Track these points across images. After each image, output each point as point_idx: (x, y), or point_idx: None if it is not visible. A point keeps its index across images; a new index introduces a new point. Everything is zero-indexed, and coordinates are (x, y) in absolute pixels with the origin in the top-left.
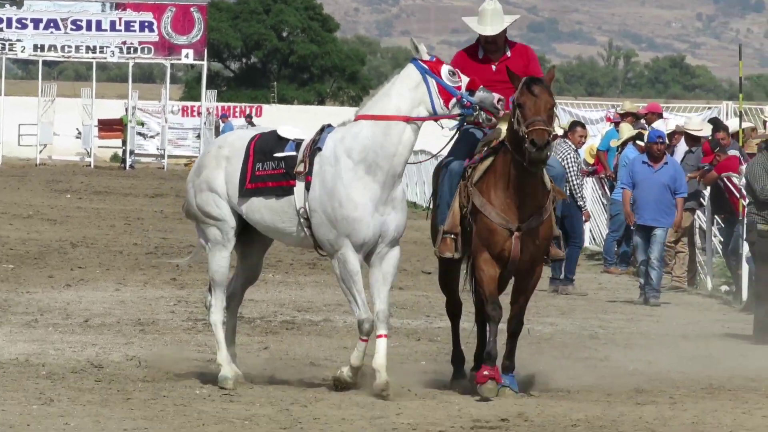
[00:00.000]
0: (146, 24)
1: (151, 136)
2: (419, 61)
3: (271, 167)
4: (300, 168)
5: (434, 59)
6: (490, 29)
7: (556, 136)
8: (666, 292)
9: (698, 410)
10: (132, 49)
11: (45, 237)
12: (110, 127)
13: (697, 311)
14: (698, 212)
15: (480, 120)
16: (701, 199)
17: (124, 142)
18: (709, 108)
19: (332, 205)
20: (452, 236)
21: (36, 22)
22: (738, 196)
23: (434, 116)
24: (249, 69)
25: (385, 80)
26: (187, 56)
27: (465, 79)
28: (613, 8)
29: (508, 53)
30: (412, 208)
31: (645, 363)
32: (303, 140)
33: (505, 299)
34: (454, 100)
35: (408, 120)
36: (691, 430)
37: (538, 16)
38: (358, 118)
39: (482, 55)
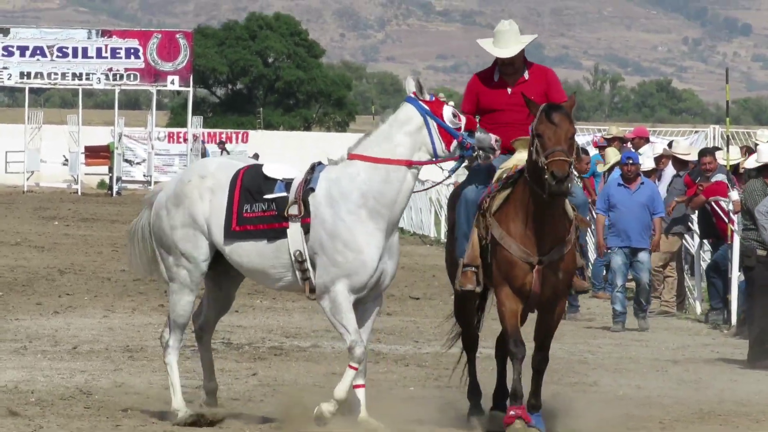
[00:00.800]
0: (132, 51)
1: (138, 163)
2: (419, 102)
3: (261, 209)
4: (294, 210)
5: (434, 99)
6: (506, 51)
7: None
8: (655, 317)
9: None
10: (118, 75)
11: (33, 264)
12: (97, 154)
13: (687, 336)
14: (686, 236)
15: (478, 160)
16: (689, 224)
17: (110, 169)
18: (696, 132)
19: (335, 247)
20: (473, 269)
21: (22, 50)
22: (726, 220)
23: (435, 160)
24: (235, 95)
25: (380, 119)
26: (173, 83)
27: (464, 120)
28: (599, 32)
29: (526, 75)
30: (399, 233)
31: (635, 388)
32: (292, 179)
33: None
34: (455, 142)
35: (410, 165)
36: None
37: None
38: (352, 156)
39: (497, 78)
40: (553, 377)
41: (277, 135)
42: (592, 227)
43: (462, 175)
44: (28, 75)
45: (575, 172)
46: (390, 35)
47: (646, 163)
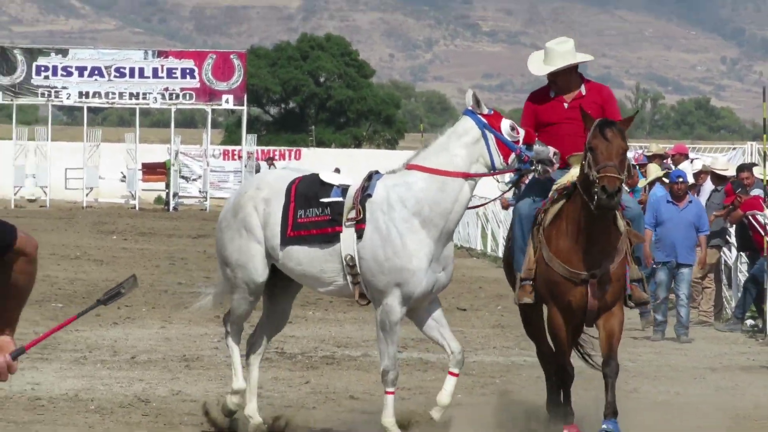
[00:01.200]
0: (188, 71)
1: (194, 179)
2: (478, 115)
3: (315, 214)
4: (352, 215)
5: (492, 113)
6: (549, 68)
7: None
8: (693, 326)
9: None
10: (174, 95)
11: (92, 277)
12: (154, 170)
13: (724, 344)
14: (724, 249)
15: (537, 174)
16: (727, 237)
17: (167, 185)
18: (734, 148)
19: (386, 254)
20: (530, 282)
21: (80, 70)
22: (762, 233)
23: (492, 172)
24: (287, 113)
25: (438, 132)
26: (227, 102)
27: (522, 133)
28: (640, 52)
29: (583, 91)
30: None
31: (673, 394)
32: (348, 186)
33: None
34: (513, 155)
35: (467, 177)
36: None
37: None
38: (410, 167)
39: (554, 94)
40: (592, 383)
41: (328, 152)
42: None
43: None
44: (87, 94)
45: (626, 188)
46: (438, 55)
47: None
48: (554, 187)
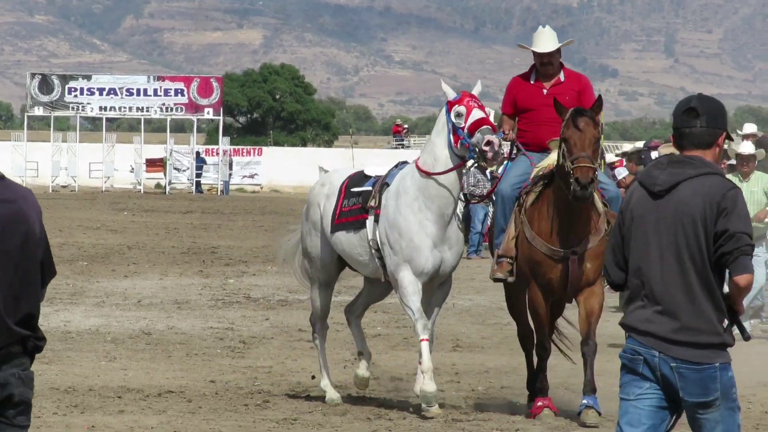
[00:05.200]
0: (179, 91)
1: (184, 170)
2: (447, 103)
3: (353, 203)
4: (372, 202)
5: (459, 97)
6: (546, 47)
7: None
8: None
9: None
10: (169, 108)
11: (108, 242)
12: (154, 164)
13: None
14: None
15: (477, 162)
16: None
17: (164, 175)
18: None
19: (394, 236)
20: (508, 260)
21: (101, 90)
22: None
23: (454, 166)
24: (252, 122)
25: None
26: (208, 113)
27: (474, 118)
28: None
29: (562, 77)
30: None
31: None
32: (381, 176)
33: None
34: (460, 141)
35: (429, 175)
36: None
37: None
38: (416, 160)
39: (534, 80)
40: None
41: (282, 150)
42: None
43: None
44: (105, 108)
45: (600, 173)
46: (362, 78)
47: None
48: (535, 171)
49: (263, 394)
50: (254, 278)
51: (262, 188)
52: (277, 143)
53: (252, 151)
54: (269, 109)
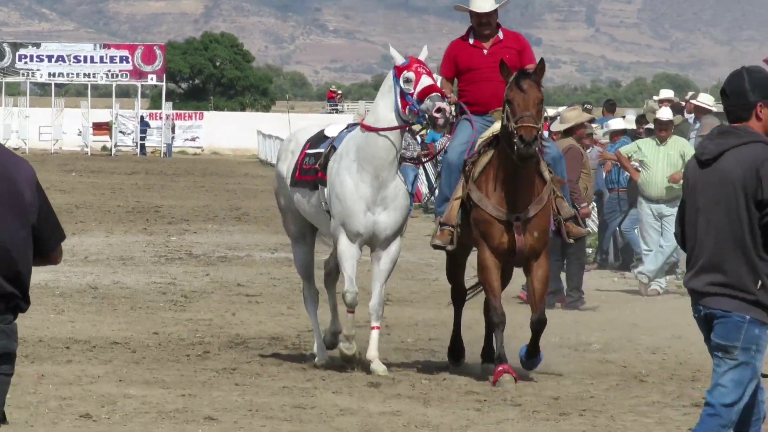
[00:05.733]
0: (124, 58)
1: (128, 134)
2: (394, 68)
3: (310, 163)
4: (321, 163)
5: (406, 62)
6: (484, 5)
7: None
8: None
9: None
10: (114, 74)
11: (57, 202)
12: (101, 127)
13: None
14: None
15: (431, 126)
16: None
17: (110, 138)
18: None
19: (332, 199)
20: (449, 228)
21: (50, 57)
22: None
23: (399, 125)
24: (194, 87)
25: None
26: (152, 79)
27: (423, 84)
28: (442, 45)
29: (500, 36)
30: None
31: None
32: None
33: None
34: (408, 107)
35: (377, 131)
36: None
37: None
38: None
39: (473, 41)
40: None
41: (222, 114)
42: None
43: None
44: (53, 74)
45: (545, 134)
46: (298, 47)
47: None
48: (479, 141)
49: (204, 345)
50: (195, 236)
51: (203, 151)
52: (217, 108)
53: (193, 115)
54: (210, 75)
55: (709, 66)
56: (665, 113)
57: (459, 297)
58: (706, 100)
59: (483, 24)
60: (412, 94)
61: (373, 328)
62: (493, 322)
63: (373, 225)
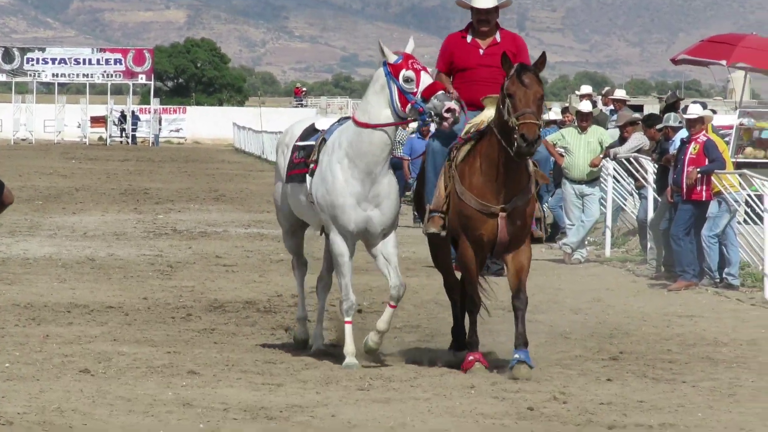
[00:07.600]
0: (118, 60)
1: (122, 126)
2: (387, 65)
3: (300, 156)
4: (313, 157)
5: (400, 61)
6: (483, 3)
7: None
8: None
9: None
10: (109, 75)
11: (60, 185)
12: (98, 120)
13: None
14: None
15: (437, 125)
16: None
17: (105, 129)
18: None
19: (322, 192)
20: (440, 214)
21: (53, 60)
22: None
23: (396, 122)
24: (178, 86)
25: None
26: (142, 78)
27: (425, 83)
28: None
29: (498, 38)
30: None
31: None
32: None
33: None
34: (409, 105)
35: (369, 126)
36: None
37: None
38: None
39: (470, 39)
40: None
41: (203, 109)
42: (550, 184)
43: None
44: (57, 75)
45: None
46: (268, 50)
47: None
48: (467, 126)
49: (187, 309)
50: (179, 214)
51: (186, 140)
52: (198, 103)
53: (178, 109)
54: (192, 75)
55: (623, 65)
56: (585, 106)
57: (453, 286)
58: (621, 95)
59: (482, 21)
60: (414, 93)
61: (391, 306)
62: (468, 306)
63: (365, 221)
